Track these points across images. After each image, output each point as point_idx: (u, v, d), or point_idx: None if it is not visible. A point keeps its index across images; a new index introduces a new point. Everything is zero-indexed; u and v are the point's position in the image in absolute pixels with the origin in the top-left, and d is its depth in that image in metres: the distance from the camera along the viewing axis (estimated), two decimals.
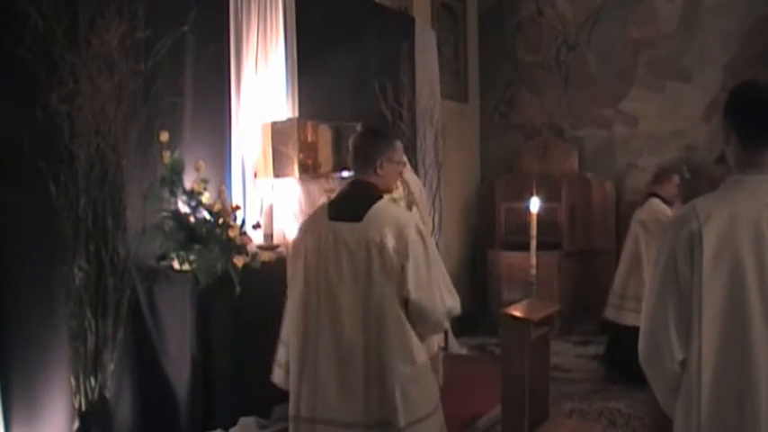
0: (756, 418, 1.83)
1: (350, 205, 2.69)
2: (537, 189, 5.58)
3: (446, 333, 6.21)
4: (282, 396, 3.97)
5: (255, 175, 4.61)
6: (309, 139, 4.75)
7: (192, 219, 3.90)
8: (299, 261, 2.71)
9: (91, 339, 3.16)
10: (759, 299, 1.83)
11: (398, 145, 2.81)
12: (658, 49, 7.31)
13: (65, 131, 3.07)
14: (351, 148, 2.80)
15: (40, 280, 3.16)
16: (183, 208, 3.90)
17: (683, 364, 1.92)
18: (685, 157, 7.14)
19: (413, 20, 6.51)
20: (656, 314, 1.96)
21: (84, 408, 3.18)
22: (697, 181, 6.59)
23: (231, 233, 3.94)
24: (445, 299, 2.66)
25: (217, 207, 4.00)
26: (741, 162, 1.97)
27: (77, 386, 3.18)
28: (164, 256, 3.81)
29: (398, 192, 4.23)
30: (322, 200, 4.76)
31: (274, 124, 4.59)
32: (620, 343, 5.27)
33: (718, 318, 1.86)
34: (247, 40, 4.56)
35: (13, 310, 3.20)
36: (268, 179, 4.60)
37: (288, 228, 3.32)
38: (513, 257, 6.96)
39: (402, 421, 2.53)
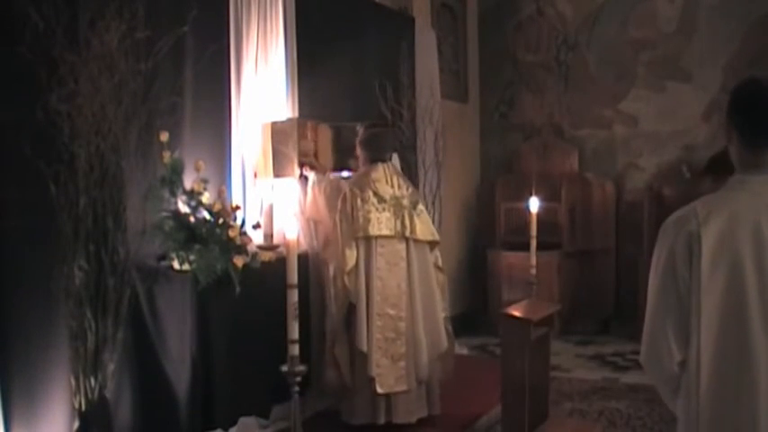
0: (756, 417, 1.82)
1: None
2: (537, 189, 5.58)
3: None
4: (281, 396, 4.00)
5: (255, 175, 4.61)
6: (310, 137, 4.75)
7: (191, 219, 3.89)
8: None
9: (91, 339, 3.16)
10: (758, 300, 1.82)
11: None
12: (658, 49, 7.31)
13: (65, 131, 3.06)
14: None
15: (40, 280, 3.16)
16: (183, 208, 3.90)
17: (682, 364, 1.92)
18: (685, 157, 7.14)
19: (413, 20, 6.50)
20: (655, 315, 1.96)
21: (84, 408, 3.17)
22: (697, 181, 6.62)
23: (231, 233, 3.94)
24: None
25: (217, 207, 4.00)
26: (744, 162, 1.95)
27: (77, 386, 3.17)
28: (164, 256, 3.81)
29: (404, 194, 4.23)
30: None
31: (274, 124, 4.59)
32: None
33: (717, 319, 1.85)
34: (247, 40, 4.56)
35: (13, 310, 3.20)
36: (268, 179, 4.60)
37: (288, 228, 3.30)
38: (513, 257, 6.95)
39: None
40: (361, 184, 4.21)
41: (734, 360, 1.84)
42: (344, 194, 4.24)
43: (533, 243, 4.47)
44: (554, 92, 7.78)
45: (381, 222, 4.09)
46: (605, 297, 7.40)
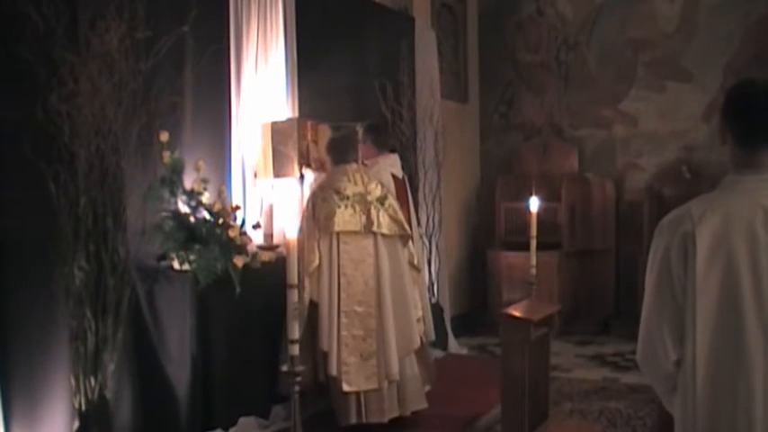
0: (751, 417, 1.83)
1: None
2: (537, 189, 5.58)
3: (446, 333, 6.22)
4: (281, 396, 4.00)
5: (255, 175, 4.61)
6: (309, 138, 4.76)
7: (192, 219, 3.90)
8: None
9: (91, 339, 3.16)
10: (753, 299, 1.83)
11: None
12: (658, 49, 7.31)
13: (65, 131, 3.07)
14: None
15: (40, 280, 3.16)
16: (183, 208, 3.90)
17: (678, 363, 1.93)
18: (685, 157, 7.14)
19: (413, 20, 6.50)
20: (651, 315, 1.97)
21: (84, 408, 3.18)
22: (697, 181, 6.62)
23: (231, 233, 3.94)
24: None
25: (217, 207, 4.00)
26: (737, 162, 1.96)
27: (77, 386, 3.18)
28: (164, 256, 3.81)
29: (369, 190, 4.23)
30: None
31: (274, 124, 4.59)
32: None
33: (712, 318, 1.86)
34: (247, 40, 4.56)
35: (14, 310, 3.20)
36: (268, 179, 4.60)
37: (288, 228, 3.30)
38: (513, 257, 6.95)
39: None
40: (323, 185, 4.22)
41: (729, 358, 1.85)
42: (308, 198, 4.23)
43: (533, 243, 4.46)
44: (554, 92, 7.78)
45: (345, 218, 4.05)
46: (605, 297, 7.40)
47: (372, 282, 4.09)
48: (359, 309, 4.05)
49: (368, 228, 4.10)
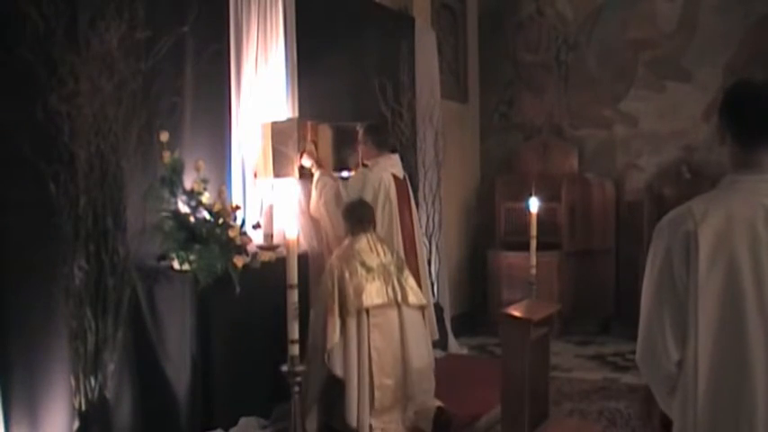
0: (753, 418, 1.83)
1: None
2: (537, 189, 5.58)
3: (446, 333, 6.22)
4: (282, 396, 3.99)
5: (255, 175, 4.62)
6: (309, 139, 4.76)
7: (192, 219, 3.90)
8: None
9: (91, 339, 3.16)
10: (755, 298, 1.83)
11: None
12: (658, 49, 7.31)
13: (65, 131, 3.07)
14: None
15: (40, 280, 3.16)
16: (183, 208, 3.90)
17: (680, 364, 1.93)
18: (685, 157, 7.14)
19: (413, 20, 6.50)
20: (652, 315, 1.96)
21: (84, 408, 3.18)
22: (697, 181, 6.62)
23: (231, 233, 3.94)
24: None
25: (217, 207, 4.00)
26: (736, 162, 1.96)
27: (77, 386, 3.18)
28: (164, 256, 3.81)
29: (390, 260, 4.20)
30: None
31: (274, 124, 4.59)
32: None
33: (715, 318, 1.86)
34: (247, 40, 4.56)
35: (14, 310, 3.20)
36: (268, 179, 4.60)
37: (288, 228, 3.30)
38: (513, 257, 6.96)
39: None
40: (347, 256, 4.14)
41: (732, 358, 1.85)
42: (330, 268, 4.16)
43: (533, 243, 4.46)
44: (554, 92, 7.78)
45: (373, 292, 4.03)
46: (605, 297, 7.40)
47: (399, 353, 4.08)
48: (388, 381, 4.04)
49: (394, 299, 4.10)
